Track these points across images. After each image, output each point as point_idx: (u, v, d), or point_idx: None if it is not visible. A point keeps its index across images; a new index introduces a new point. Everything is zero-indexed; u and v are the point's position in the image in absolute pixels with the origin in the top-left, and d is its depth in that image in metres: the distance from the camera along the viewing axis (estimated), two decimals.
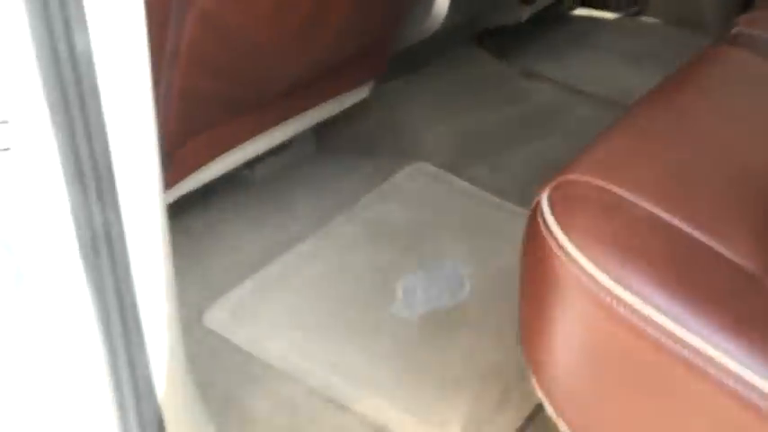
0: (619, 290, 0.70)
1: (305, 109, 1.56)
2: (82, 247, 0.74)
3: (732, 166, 0.84)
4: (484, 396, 1.19)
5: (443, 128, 1.75)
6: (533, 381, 0.82)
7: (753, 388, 0.66)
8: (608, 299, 0.70)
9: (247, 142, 1.49)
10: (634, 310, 0.69)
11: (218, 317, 1.31)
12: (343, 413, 1.18)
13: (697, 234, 0.73)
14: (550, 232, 0.75)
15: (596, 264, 0.71)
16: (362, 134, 1.72)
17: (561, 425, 0.79)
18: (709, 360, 0.67)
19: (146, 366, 0.87)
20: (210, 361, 1.23)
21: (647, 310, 0.69)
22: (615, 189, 0.77)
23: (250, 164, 1.59)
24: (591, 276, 0.71)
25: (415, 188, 1.60)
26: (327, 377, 1.22)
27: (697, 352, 0.67)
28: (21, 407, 0.83)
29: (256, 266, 1.42)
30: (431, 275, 1.40)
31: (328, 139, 1.71)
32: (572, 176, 0.80)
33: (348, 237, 1.49)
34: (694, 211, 0.75)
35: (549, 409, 0.80)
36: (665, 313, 0.68)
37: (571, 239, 0.73)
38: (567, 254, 0.72)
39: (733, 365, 0.66)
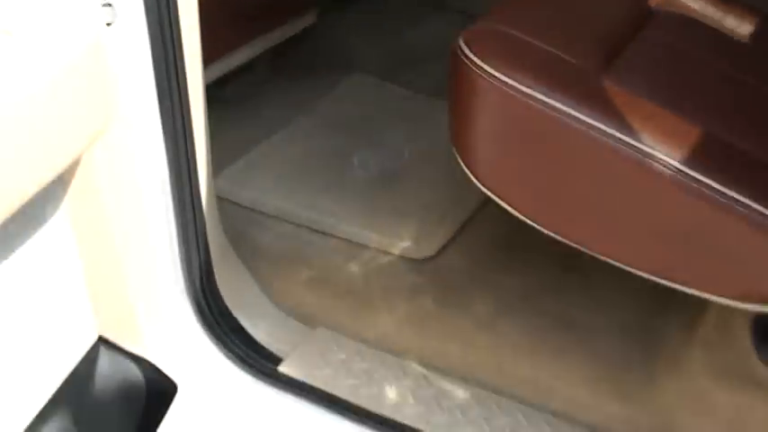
0: (520, 87, 1.16)
1: (263, 32, 1.97)
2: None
3: (591, 10, 1.33)
4: (427, 218, 1.65)
5: (380, 45, 2.20)
6: (461, 163, 1.27)
7: (607, 134, 1.12)
8: (512, 93, 1.16)
9: (218, 61, 1.89)
10: (530, 97, 1.15)
11: (222, 186, 1.72)
12: (328, 238, 1.62)
13: (560, 52, 1.21)
14: (470, 60, 1.20)
15: (504, 73, 1.17)
16: (312, 54, 2.15)
17: (484, 189, 1.25)
18: (578, 121, 1.13)
19: (202, 222, 1.30)
20: (224, 215, 1.65)
21: (538, 96, 1.15)
22: (512, 31, 1.23)
23: (221, 84, 1.99)
24: (500, 80, 1.16)
25: (360, 92, 2.05)
26: (311, 216, 1.66)
27: (570, 116, 1.14)
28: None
29: (243, 152, 1.83)
30: (378, 149, 1.84)
31: (283, 62, 2.13)
32: (481, 24, 1.26)
33: (310, 129, 1.92)
34: (560, 40, 1.23)
35: (474, 179, 1.25)
36: (547, 96, 1.14)
37: (485, 60, 1.18)
38: (482, 70, 1.18)
39: (591, 122, 1.13)
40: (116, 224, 1.07)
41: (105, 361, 1.00)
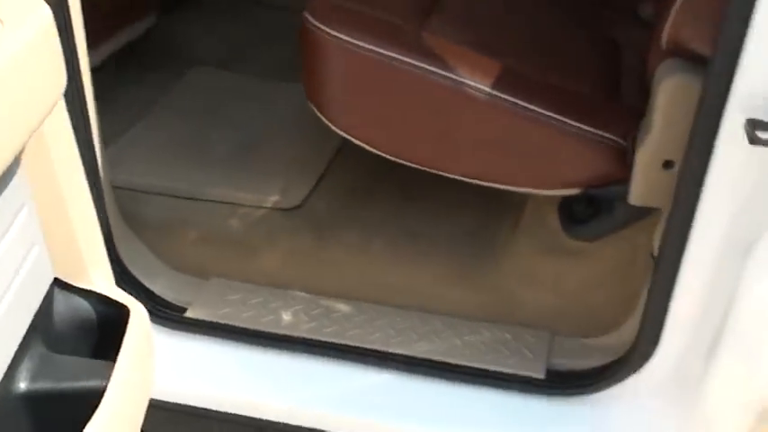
0: (359, 43, 1.45)
1: (109, 35, 2.16)
2: None
3: None
4: (290, 174, 1.92)
5: (216, 40, 2.43)
6: (319, 114, 1.55)
7: (432, 72, 1.43)
8: (354, 49, 1.45)
9: None
10: (368, 50, 1.45)
11: None
12: (205, 203, 1.85)
13: (385, 15, 1.52)
14: (317, 27, 1.48)
15: (345, 34, 1.46)
16: (156, 53, 2.35)
17: (341, 132, 1.54)
18: (408, 65, 1.44)
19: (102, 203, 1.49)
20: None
21: (373, 49, 1.45)
22: (345, 2, 1.52)
23: None
24: (343, 40, 1.46)
25: (204, 82, 2.27)
26: (184, 187, 1.88)
27: (401, 61, 1.44)
28: None
29: (108, 143, 2.01)
30: (233, 126, 2.08)
31: (131, 61, 2.31)
32: (319, 1, 1.54)
33: (167, 118, 2.13)
34: (383, 5, 1.54)
35: (332, 126, 1.54)
36: (381, 48, 1.44)
37: (329, 26, 1.47)
38: (328, 33, 1.47)
39: (418, 64, 1.44)
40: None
41: (60, 300, 1.18)
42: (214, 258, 1.75)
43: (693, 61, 1.28)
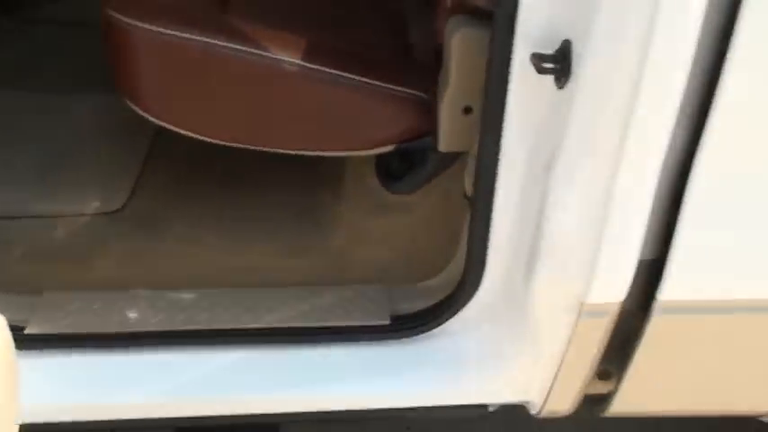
0: (164, 30, 1.48)
1: None
2: None
3: None
4: (105, 179, 1.91)
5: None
6: (133, 105, 1.56)
7: (240, 51, 1.49)
8: (158, 36, 1.49)
9: None
10: (174, 36, 1.49)
11: None
12: (20, 220, 1.80)
13: (184, 2, 1.56)
14: (119, 20, 1.50)
15: (149, 23, 1.49)
16: None
17: (158, 121, 1.56)
18: (217, 46, 1.49)
19: None
20: None
21: (179, 34, 1.49)
22: None
23: None
24: (148, 29, 1.49)
25: None
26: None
27: (209, 44, 1.49)
28: None
29: None
30: (26, 145, 2.03)
31: None
32: None
33: None
34: None
35: (147, 115, 1.56)
36: (186, 32, 1.49)
37: (133, 18, 1.49)
38: (132, 25, 1.49)
39: (226, 44, 1.49)
40: None
41: None
42: (45, 273, 1.71)
43: (475, 15, 1.43)
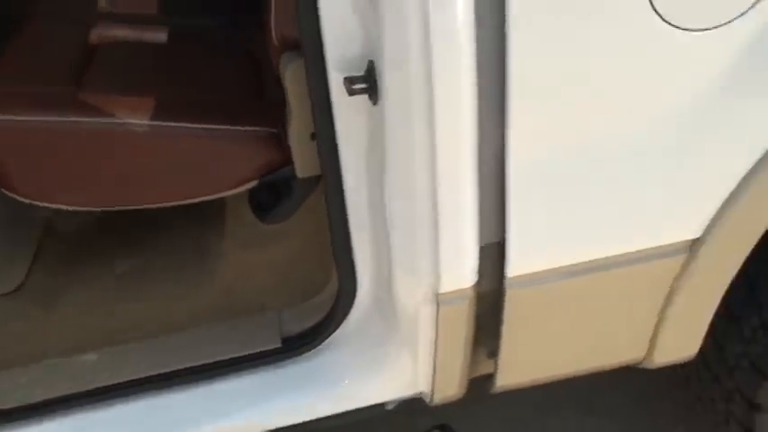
0: (18, 118, 1.58)
1: None
2: None
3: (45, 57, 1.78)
4: (3, 260, 1.96)
5: None
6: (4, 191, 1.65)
7: (95, 123, 1.59)
8: (15, 125, 1.58)
9: None
10: (28, 122, 1.59)
11: None
12: None
13: (39, 88, 1.65)
14: None
15: (4, 113, 1.57)
16: None
17: (28, 200, 1.65)
18: (72, 123, 1.59)
19: None
20: None
21: (35, 119, 1.58)
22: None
23: None
24: (2, 119, 1.57)
25: None
26: None
27: (65, 122, 1.59)
28: None
29: None
30: None
31: None
32: None
33: None
34: (37, 81, 1.67)
35: (20, 198, 1.64)
36: (43, 116, 1.58)
37: None
38: None
39: (80, 119, 1.59)
40: None
41: None
42: None
43: (300, 49, 1.54)
